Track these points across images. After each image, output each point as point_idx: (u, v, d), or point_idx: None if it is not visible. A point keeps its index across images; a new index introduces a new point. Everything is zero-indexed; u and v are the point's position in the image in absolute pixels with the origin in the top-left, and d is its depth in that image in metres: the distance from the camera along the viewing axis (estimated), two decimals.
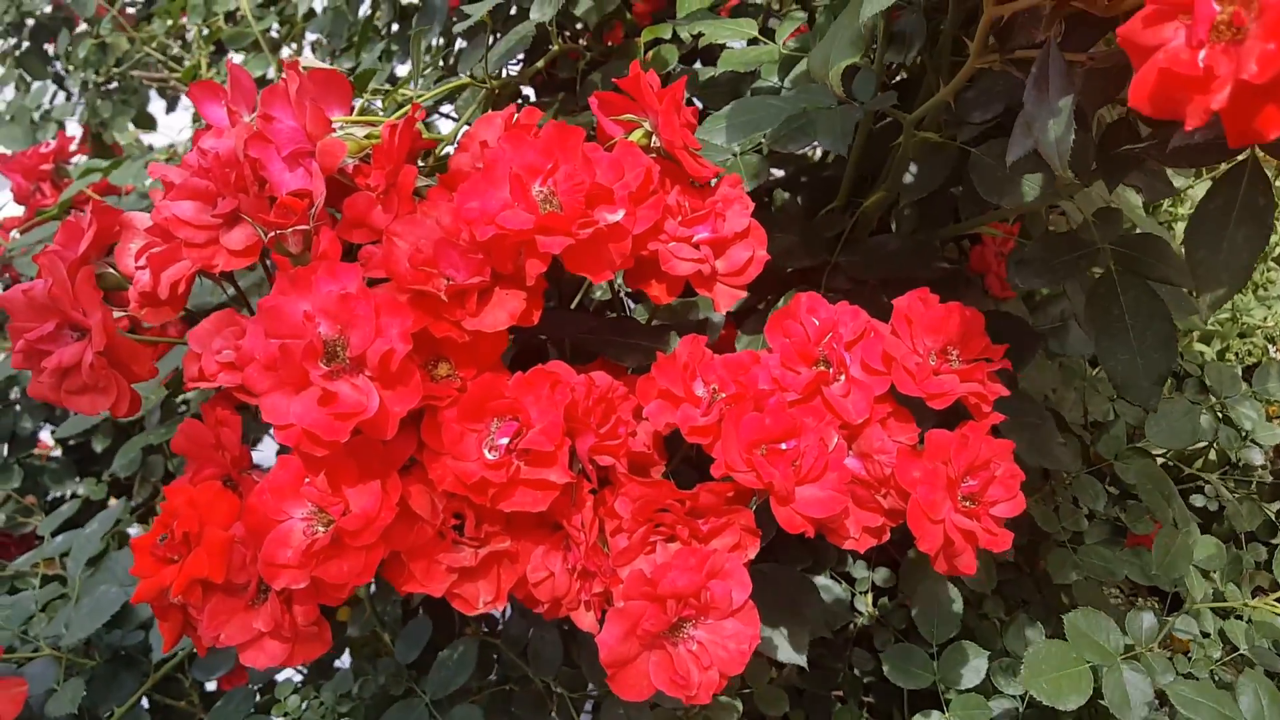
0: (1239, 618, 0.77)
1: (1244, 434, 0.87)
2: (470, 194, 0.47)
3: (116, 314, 0.52)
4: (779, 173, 0.91)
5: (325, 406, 0.43)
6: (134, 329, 0.55)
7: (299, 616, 0.47)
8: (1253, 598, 0.79)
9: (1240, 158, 0.46)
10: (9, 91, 1.48)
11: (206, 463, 0.52)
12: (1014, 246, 0.82)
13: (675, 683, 0.46)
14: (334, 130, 0.53)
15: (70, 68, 1.45)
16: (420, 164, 0.62)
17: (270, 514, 0.46)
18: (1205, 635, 0.77)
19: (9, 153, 1.26)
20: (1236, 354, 1.31)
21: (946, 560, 0.51)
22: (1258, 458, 0.86)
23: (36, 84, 1.44)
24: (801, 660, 0.65)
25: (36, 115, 1.42)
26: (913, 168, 0.65)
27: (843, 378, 0.53)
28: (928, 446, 0.51)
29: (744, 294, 0.56)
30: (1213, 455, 0.96)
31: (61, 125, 1.45)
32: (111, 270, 0.58)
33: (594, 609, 0.50)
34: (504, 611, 0.81)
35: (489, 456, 0.47)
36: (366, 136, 0.56)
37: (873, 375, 0.53)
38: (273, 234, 0.48)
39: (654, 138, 0.56)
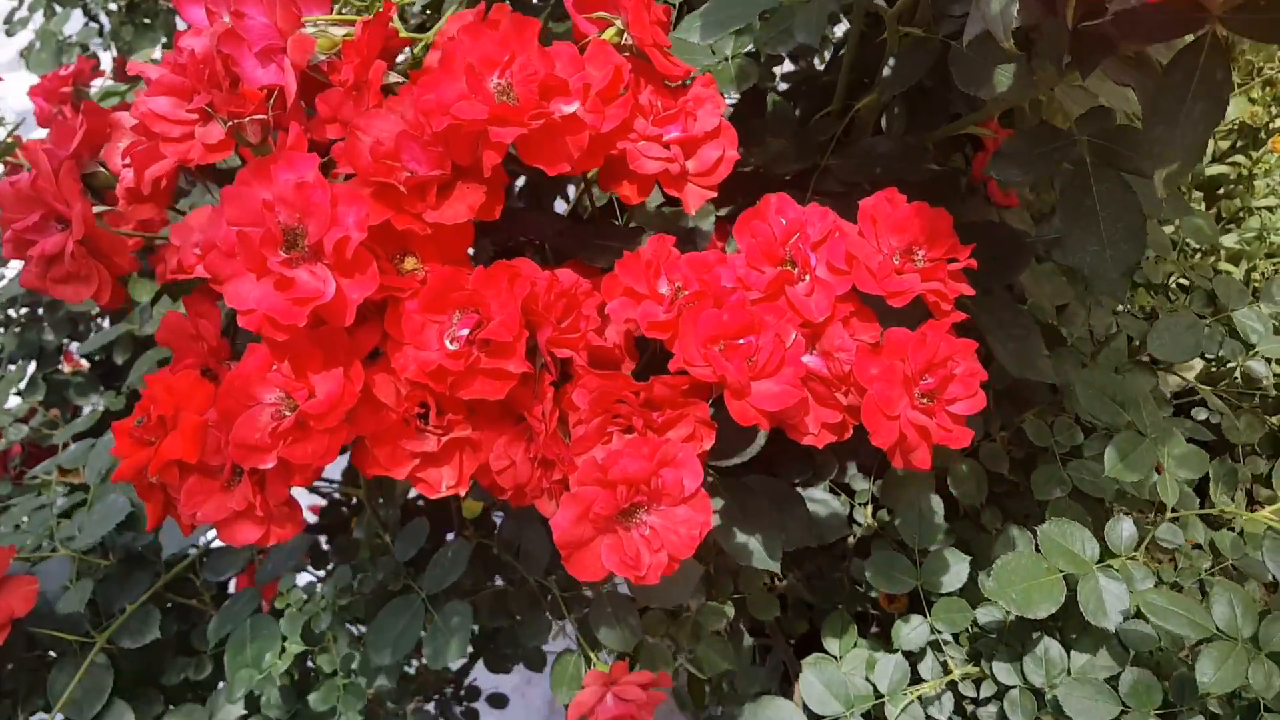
0: (1231, 529, 0.77)
1: (1249, 347, 0.86)
2: (428, 86, 0.48)
3: (100, 209, 0.54)
4: (784, 87, 0.91)
5: (283, 292, 0.44)
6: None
7: (271, 497, 0.50)
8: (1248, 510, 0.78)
9: (1200, 31, 0.45)
10: (38, 19, 1.50)
11: (186, 353, 0.54)
12: None
13: (625, 563, 0.48)
14: (305, 27, 0.54)
15: None
16: (400, 60, 0.63)
17: (240, 399, 0.48)
18: (1197, 547, 0.77)
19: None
20: (1264, 274, 1.28)
21: (902, 456, 0.52)
22: (1261, 370, 0.85)
23: (63, 10, 1.46)
24: (774, 566, 0.67)
25: (64, 42, 1.44)
26: (891, 61, 0.65)
27: (807, 278, 0.53)
28: (886, 343, 0.52)
29: (713, 193, 0.56)
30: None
31: (89, 52, 1.47)
32: (102, 170, 0.60)
33: (555, 497, 0.52)
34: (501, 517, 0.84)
35: (450, 347, 0.49)
36: (345, 36, 0.57)
37: (836, 275, 0.53)
38: (231, 123, 0.49)
39: (626, 35, 0.56)
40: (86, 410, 1.09)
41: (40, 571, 0.76)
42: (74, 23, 1.55)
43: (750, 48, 0.72)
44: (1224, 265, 1.27)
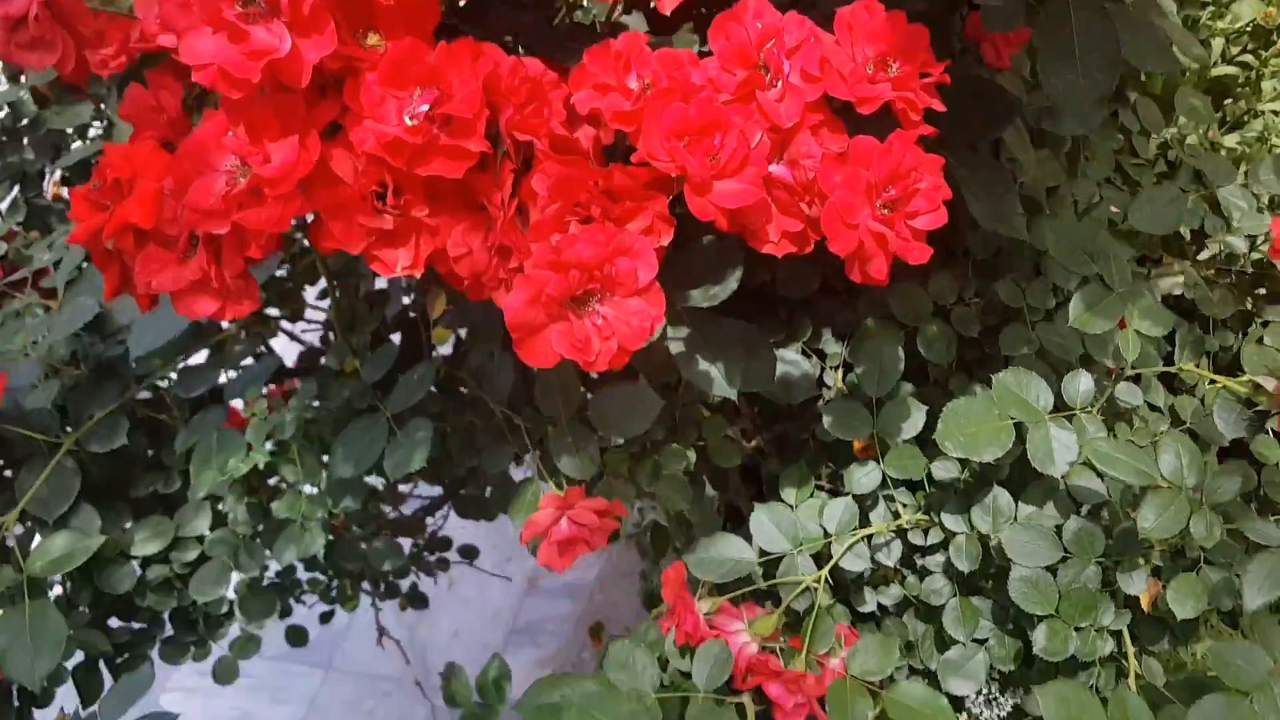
0: (1193, 395, 0.78)
1: (1231, 223, 0.85)
2: None
3: None
4: None
5: (238, 44, 0.44)
6: None
7: (226, 268, 0.50)
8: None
9: None
10: None
11: (147, 125, 0.53)
12: None
13: (575, 347, 0.48)
14: None
15: None
16: None
17: (196, 164, 0.48)
18: (1155, 410, 0.78)
19: None
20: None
21: (860, 266, 0.52)
22: (1241, 246, 0.85)
23: None
24: (732, 394, 0.67)
25: None
26: None
27: (779, 83, 0.53)
28: (852, 151, 0.51)
29: None
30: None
31: None
32: None
33: (511, 288, 0.52)
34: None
35: (409, 122, 0.48)
36: None
37: (809, 82, 0.52)
38: None
39: None
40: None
41: (9, 371, 0.77)
42: None
43: None
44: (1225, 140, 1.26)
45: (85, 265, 0.82)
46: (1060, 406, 0.69)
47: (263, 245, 0.48)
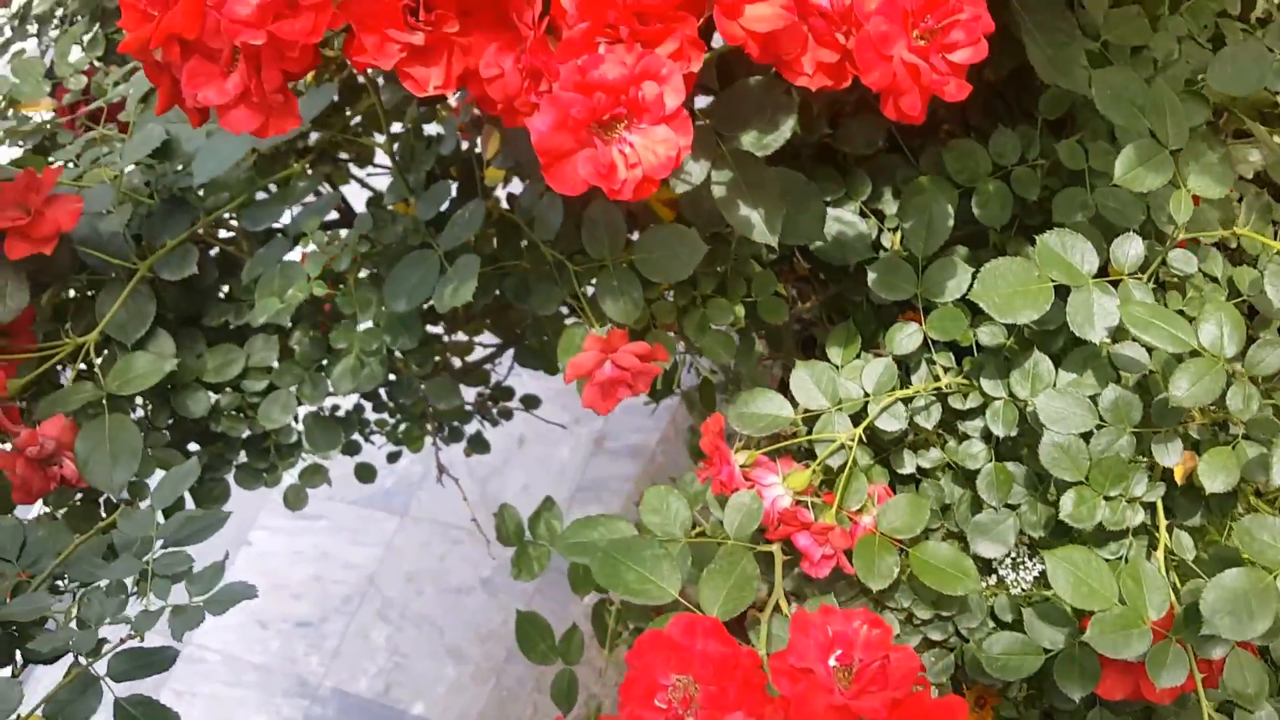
0: (1254, 266, 0.75)
1: None
2: None
3: None
4: None
5: None
6: None
7: (266, 83, 0.51)
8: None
9: None
10: None
11: None
12: None
13: (600, 174, 0.49)
14: None
15: None
16: None
17: None
18: (1213, 280, 0.75)
19: None
20: None
21: (893, 101, 0.51)
22: None
23: None
24: (772, 241, 0.67)
25: None
26: None
27: None
28: None
29: None
30: None
31: None
32: None
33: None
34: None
35: None
36: None
37: None
38: None
39: None
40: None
41: (86, 195, 0.81)
42: None
43: None
44: None
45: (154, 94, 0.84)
46: (1108, 272, 0.67)
47: (299, 59, 0.49)
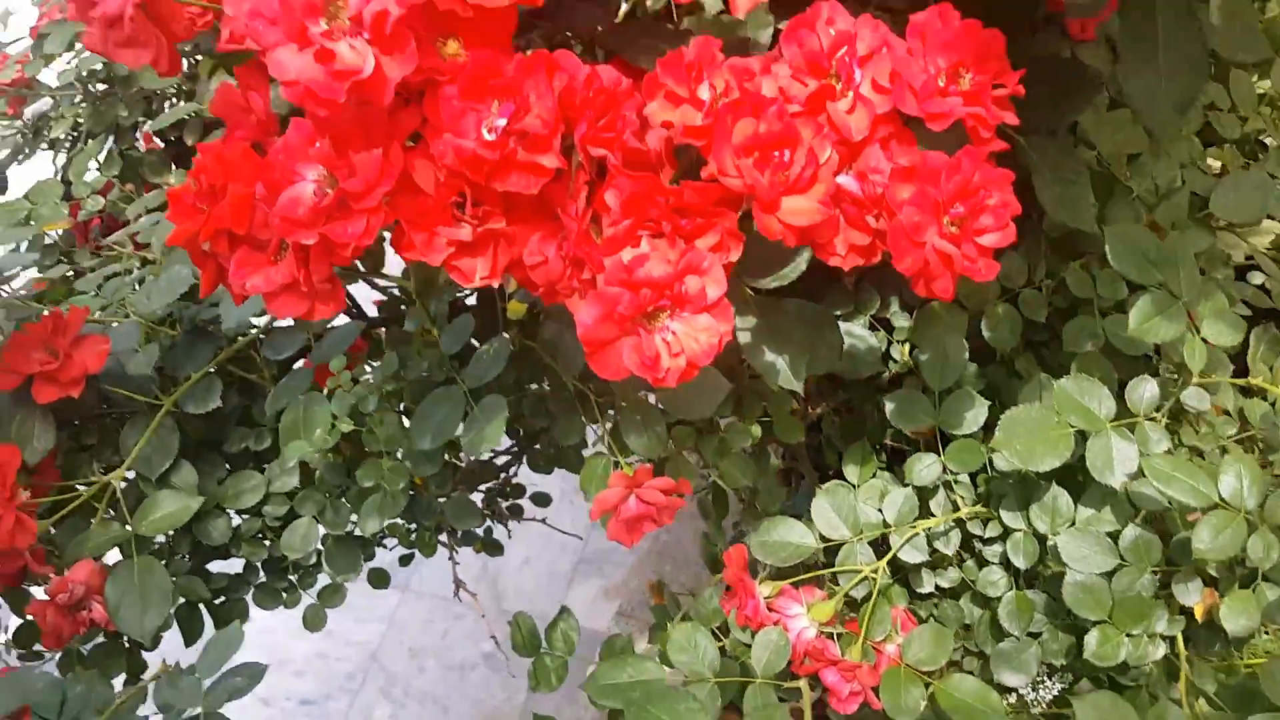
0: (1264, 399, 0.76)
1: None
2: None
3: None
4: None
5: (323, 64, 0.45)
6: None
7: (314, 272, 0.52)
8: None
9: None
10: None
11: (238, 125, 0.56)
12: None
13: (645, 365, 0.50)
14: None
15: None
16: None
17: (284, 173, 0.50)
18: (1225, 414, 0.77)
19: None
20: None
21: (925, 283, 0.52)
22: None
23: None
24: (798, 386, 0.69)
25: None
26: None
27: (850, 94, 0.53)
28: (920, 167, 0.51)
29: None
30: None
31: None
32: None
33: (585, 296, 0.54)
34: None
35: (486, 136, 0.49)
36: None
37: (880, 93, 0.52)
38: None
39: None
40: (161, 185, 1.13)
41: (112, 334, 0.82)
42: None
43: None
44: None
45: None
46: (1122, 412, 0.68)
47: (350, 253, 0.51)
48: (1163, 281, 0.67)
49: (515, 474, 1.27)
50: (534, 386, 0.90)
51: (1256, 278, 0.83)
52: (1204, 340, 0.67)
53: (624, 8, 0.66)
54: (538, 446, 1.10)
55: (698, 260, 0.50)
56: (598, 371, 0.51)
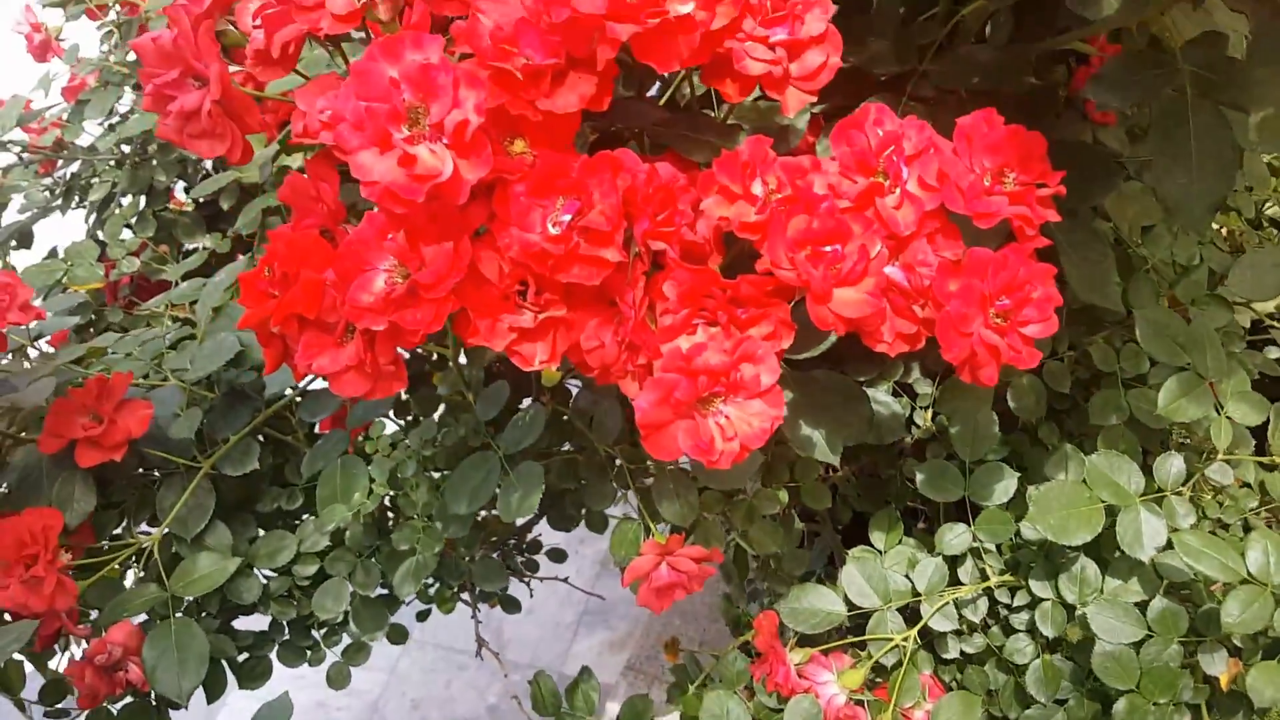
0: None
1: None
2: None
3: (234, 69, 0.57)
4: None
5: (405, 167, 0.47)
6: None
7: (380, 355, 0.54)
8: None
9: None
10: None
11: (307, 213, 0.58)
12: None
13: (699, 448, 0.52)
14: None
15: None
16: None
17: (357, 262, 0.52)
18: (1244, 486, 0.78)
19: None
20: None
21: (970, 371, 0.54)
22: None
23: None
24: (834, 459, 0.70)
25: None
26: None
27: (897, 191, 0.55)
28: (967, 262, 0.54)
29: (813, 98, 0.57)
30: None
31: None
32: (232, 28, 0.63)
33: (638, 379, 0.55)
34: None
35: (551, 231, 0.52)
36: None
37: (927, 190, 0.55)
38: (364, 1, 0.51)
39: None
40: (191, 248, 1.15)
41: (153, 397, 0.83)
42: None
43: None
44: None
45: (227, 303, 0.87)
46: (1149, 486, 0.70)
47: (416, 340, 0.52)
48: (1189, 363, 0.69)
49: (534, 530, 1.28)
50: (565, 447, 0.92)
51: (1272, 351, 0.86)
52: (1229, 419, 0.69)
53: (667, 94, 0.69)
54: (560, 506, 1.11)
55: (753, 349, 0.51)
56: (652, 453, 0.52)
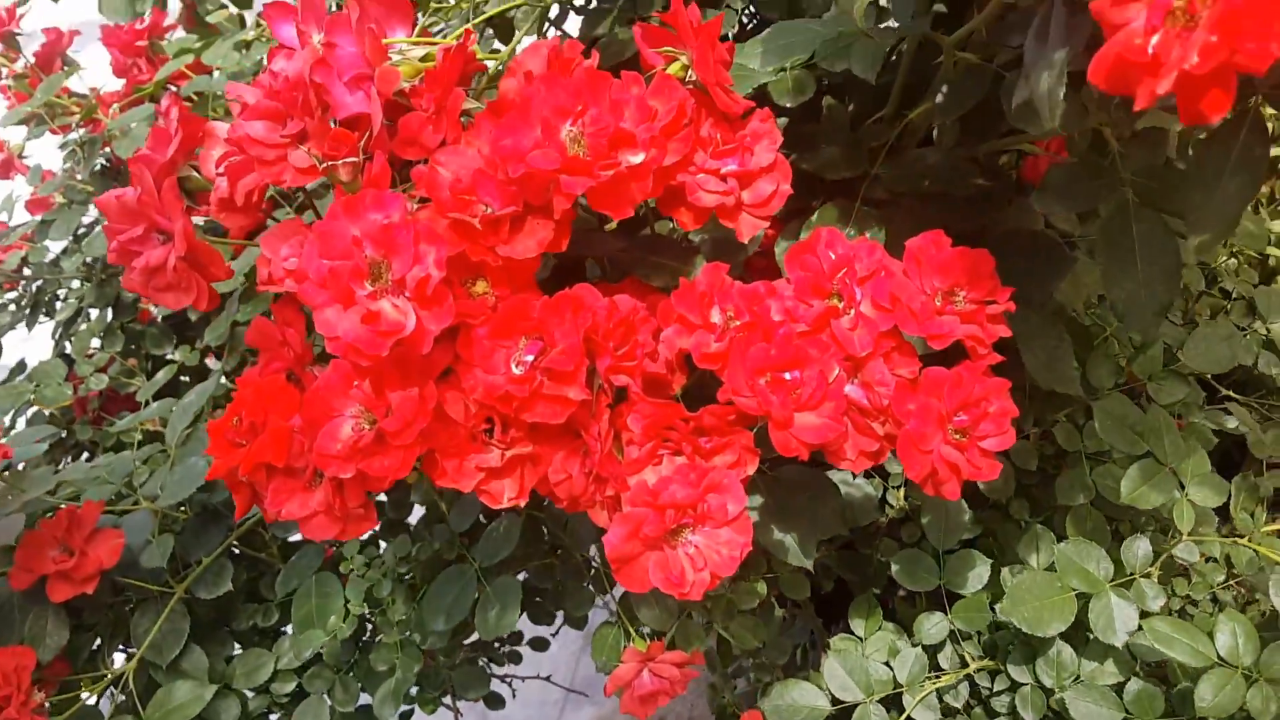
0: (1248, 545, 0.80)
1: None
2: (506, 131, 0.51)
3: (198, 219, 0.58)
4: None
5: (368, 324, 0.48)
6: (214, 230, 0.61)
7: (349, 500, 0.54)
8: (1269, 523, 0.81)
9: (1241, 108, 0.47)
10: None
11: (274, 357, 0.59)
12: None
13: (670, 581, 0.52)
14: (391, 57, 0.57)
15: None
16: (478, 82, 0.66)
17: (323, 410, 0.52)
18: (1210, 560, 0.80)
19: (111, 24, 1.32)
20: None
21: (934, 486, 0.55)
22: None
23: None
24: (808, 564, 0.71)
25: None
26: (944, 88, 0.66)
27: (852, 312, 0.56)
28: (923, 382, 0.55)
29: (766, 224, 0.59)
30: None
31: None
32: (195, 174, 0.64)
33: (607, 509, 0.56)
34: None
35: (515, 371, 0.52)
36: (424, 58, 0.60)
37: (880, 312, 0.56)
38: (326, 164, 0.52)
39: (690, 71, 0.58)
40: (162, 356, 1.15)
41: (124, 524, 0.83)
42: None
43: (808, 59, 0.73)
44: (1271, 250, 1.27)
45: (197, 425, 0.87)
46: (1118, 569, 0.71)
47: (385, 485, 0.53)
48: (1149, 450, 0.70)
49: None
50: (540, 555, 0.92)
51: (1230, 420, 0.87)
52: (1190, 502, 0.70)
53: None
54: (539, 599, 1.11)
55: (718, 479, 0.52)
56: (624, 585, 0.53)
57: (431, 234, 0.50)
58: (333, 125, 0.56)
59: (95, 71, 1.23)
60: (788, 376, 0.53)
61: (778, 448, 0.53)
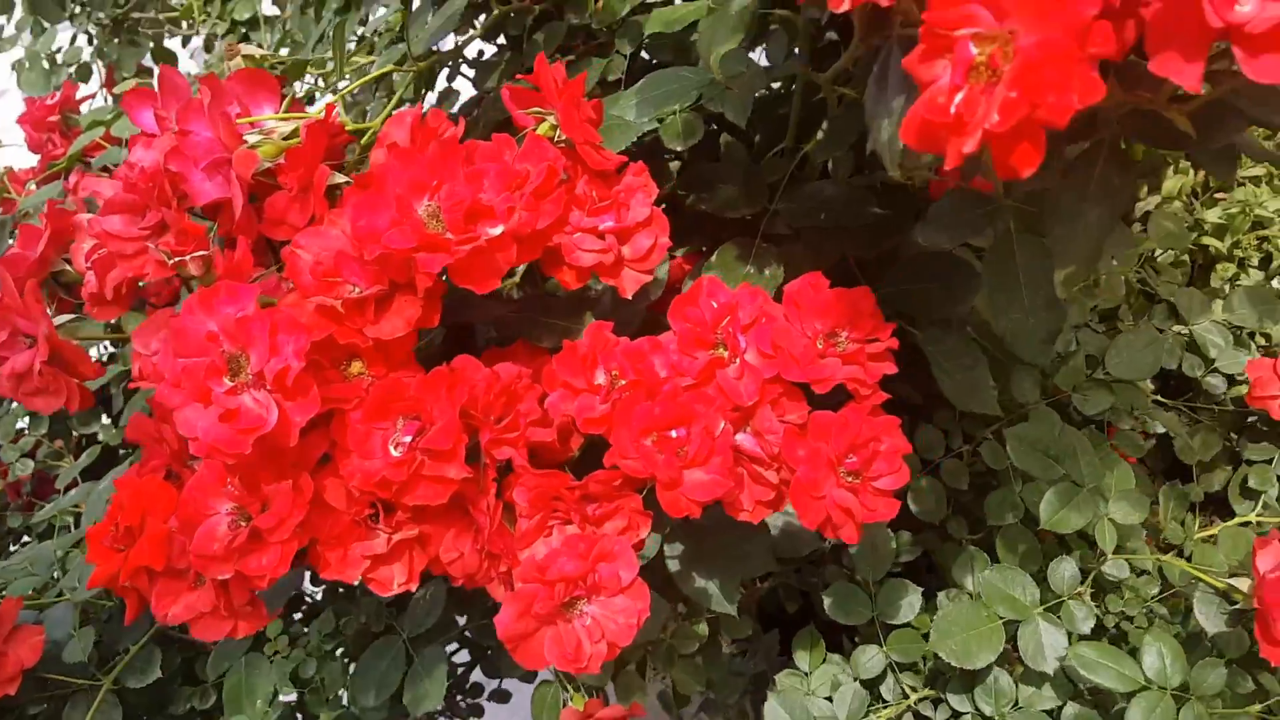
0: (1180, 554, 0.79)
1: (1209, 361, 0.87)
2: (362, 210, 0.50)
3: (60, 320, 0.57)
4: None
5: (228, 422, 0.47)
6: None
7: (235, 598, 0.53)
8: (1199, 529, 0.81)
9: (1096, 139, 0.46)
10: (27, 36, 1.52)
11: (153, 454, 0.57)
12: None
13: (566, 657, 0.51)
14: (250, 139, 0.56)
15: (81, 7, 1.48)
16: (352, 153, 0.65)
17: (198, 509, 0.51)
18: (1143, 574, 0.79)
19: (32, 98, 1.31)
20: (1246, 249, 1.28)
21: (832, 531, 0.54)
22: (1220, 386, 0.87)
23: (50, 28, 1.48)
24: (731, 610, 0.70)
25: (54, 61, 1.46)
26: (825, 124, 0.66)
27: (737, 361, 0.55)
28: (811, 427, 0.54)
29: (649, 278, 0.58)
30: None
31: (81, 69, 1.49)
32: (69, 268, 0.63)
33: (504, 583, 0.55)
34: None
35: (394, 454, 0.51)
36: (291, 134, 0.59)
37: (764, 359, 0.55)
38: (174, 260, 0.51)
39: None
40: (93, 435, 1.12)
41: (46, 618, 0.81)
42: (64, 35, 1.56)
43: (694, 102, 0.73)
44: (1207, 240, 1.27)
45: None
46: (1047, 594, 0.71)
47: (266, 583, 0.51)
48: (1066, 473, 0.70)
49: (470, 676, 1.25)
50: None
51: (1158, 427, 0.87)
52: (1111, 520, 0.69)
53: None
54: (490, 653, 1.09)
55: (608, 547, 0.51)
56: (521, 664, 0.52)
57: (291, 323, 0.49)
58: (193, 214, 0.55)
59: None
60: (674, 434, 0.52)
61: (666, 509, 0.52)
